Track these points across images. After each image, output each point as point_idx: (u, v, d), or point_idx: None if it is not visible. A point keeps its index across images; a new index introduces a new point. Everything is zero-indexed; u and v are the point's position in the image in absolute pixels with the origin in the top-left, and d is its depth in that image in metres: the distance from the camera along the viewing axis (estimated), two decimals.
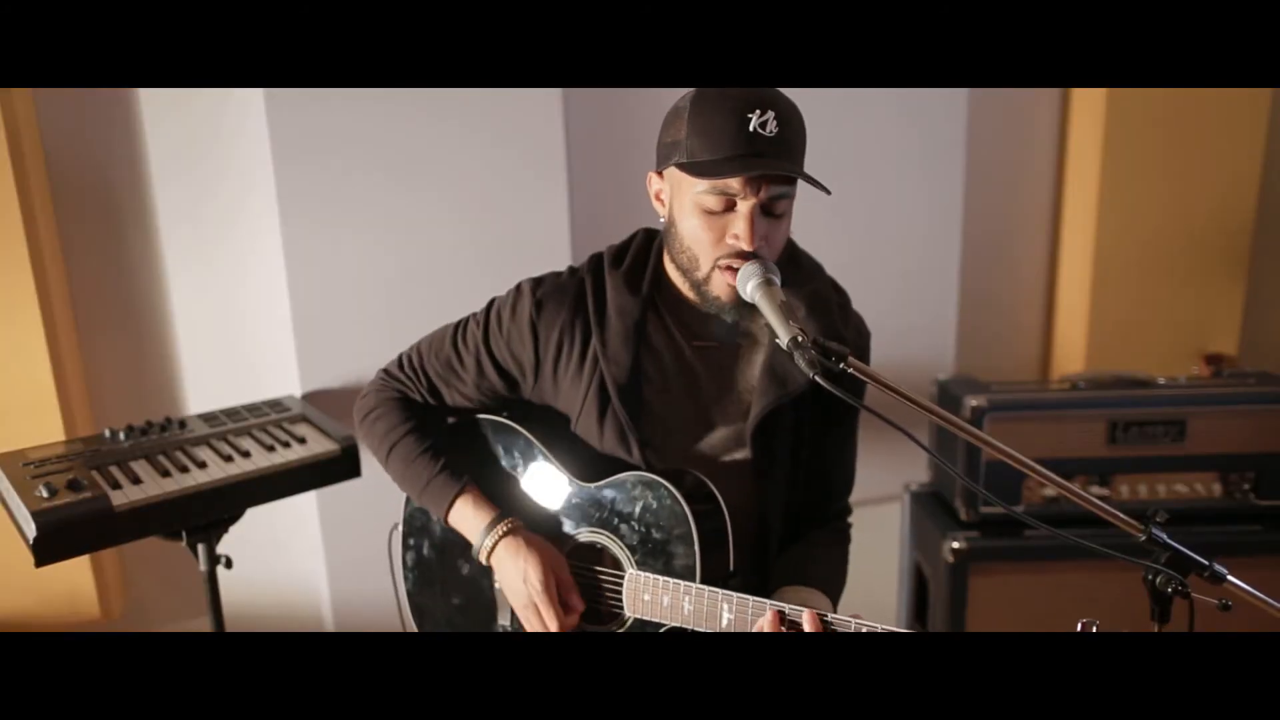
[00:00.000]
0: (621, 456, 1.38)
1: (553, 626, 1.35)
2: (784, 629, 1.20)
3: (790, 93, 1.27)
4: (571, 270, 1.44)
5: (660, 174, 1.34)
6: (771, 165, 1.21)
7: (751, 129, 1.20)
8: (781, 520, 1.43)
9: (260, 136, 2.13)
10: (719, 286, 1.29)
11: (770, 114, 1.20)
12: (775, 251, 1.30)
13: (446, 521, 1.44)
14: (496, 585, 1.47)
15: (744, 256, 1.26)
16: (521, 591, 1.36)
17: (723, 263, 1.27)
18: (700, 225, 1.26)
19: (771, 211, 1.26)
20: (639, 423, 1.37)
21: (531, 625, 1.37)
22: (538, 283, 1.42)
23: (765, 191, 1.23)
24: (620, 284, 1.38)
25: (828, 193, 1.23)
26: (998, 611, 2.25)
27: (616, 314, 1.37)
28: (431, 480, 1.43)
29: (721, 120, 1.21)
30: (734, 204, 1.24)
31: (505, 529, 1.38)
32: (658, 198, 1.36)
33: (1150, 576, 1.07)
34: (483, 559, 1.40)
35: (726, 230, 1.25)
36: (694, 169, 1.23)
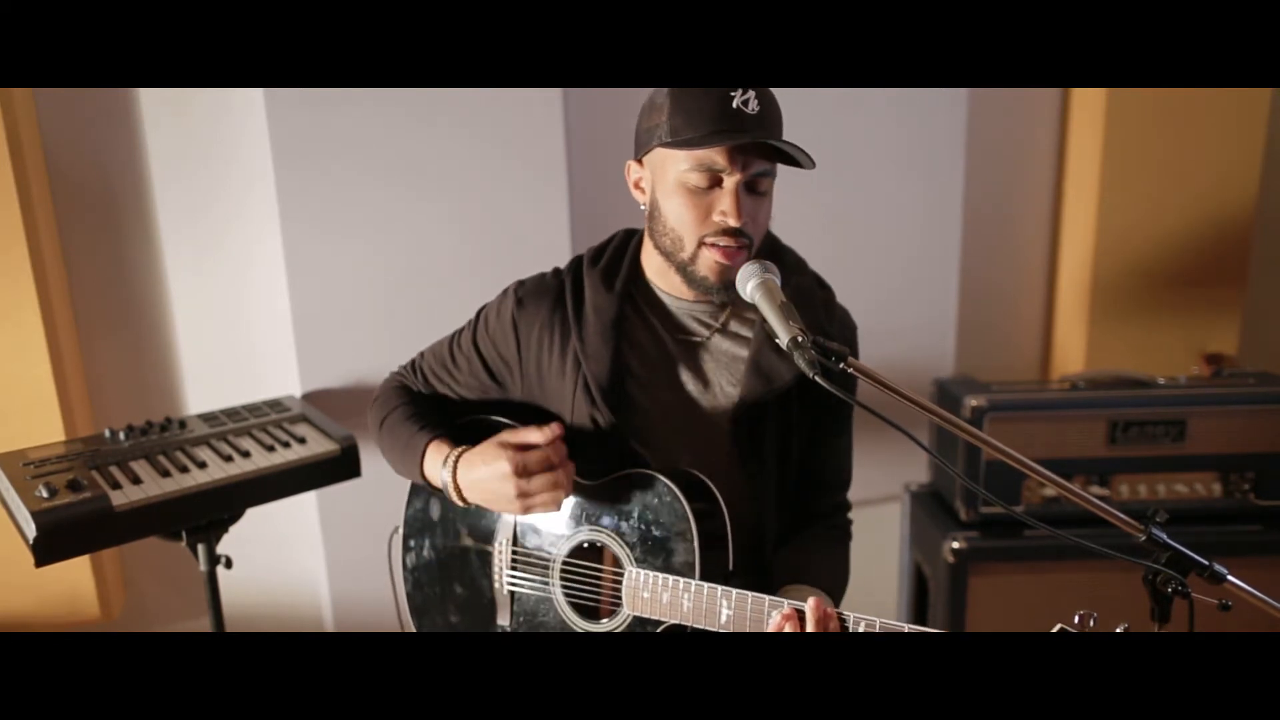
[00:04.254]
0: (613, 453, 1.38)
1: (560, 481, 1.32)
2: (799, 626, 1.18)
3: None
4: (556, 271, 1.47)
5: (640, 162, 1.35)
6: (758, 137, 1.23)
7: (734, 106, 1.22)
8: (775, 516, 1.42)
9: (260, 137, 2.13)
10: (706, 265, 1.30)
11: (751, 94, 1.23)
12: (761, 231, 1.32)
13: (422, 474, 1.43)
14: (496, 585, 1.47)
15: (730, 234, 1.27)
16: (507, 483, 1.31)
17: (709, 239, 1.28)
18: (685, 204, 1.27)
19: (755, 189, 1.28)
20: (625, 418, 1.37)
21: (540, 503, 1.33)
22: (521, 283, 1.46)
23: (751, 167, 1.25)
24: (597, 281, 1.40)
25: (813, 165, 1.24)
26: (998, 611, 2.25)
27: (593, 311, 1.38)
28: (411, 438, 1.44)
29: (705, 99, 1.23)
30: (719, 181, 1.26)
31: (458, 452, 1.37)
32: (637, 186, 1.37)
33: (1150, 576, 1.07)
34: (452, 495, 1.38)
35: (712, 208, 1.27)
36: (680, 144, 1.24)
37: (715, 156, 1.24)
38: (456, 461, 1.38)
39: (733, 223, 1.25)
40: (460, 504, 1.40)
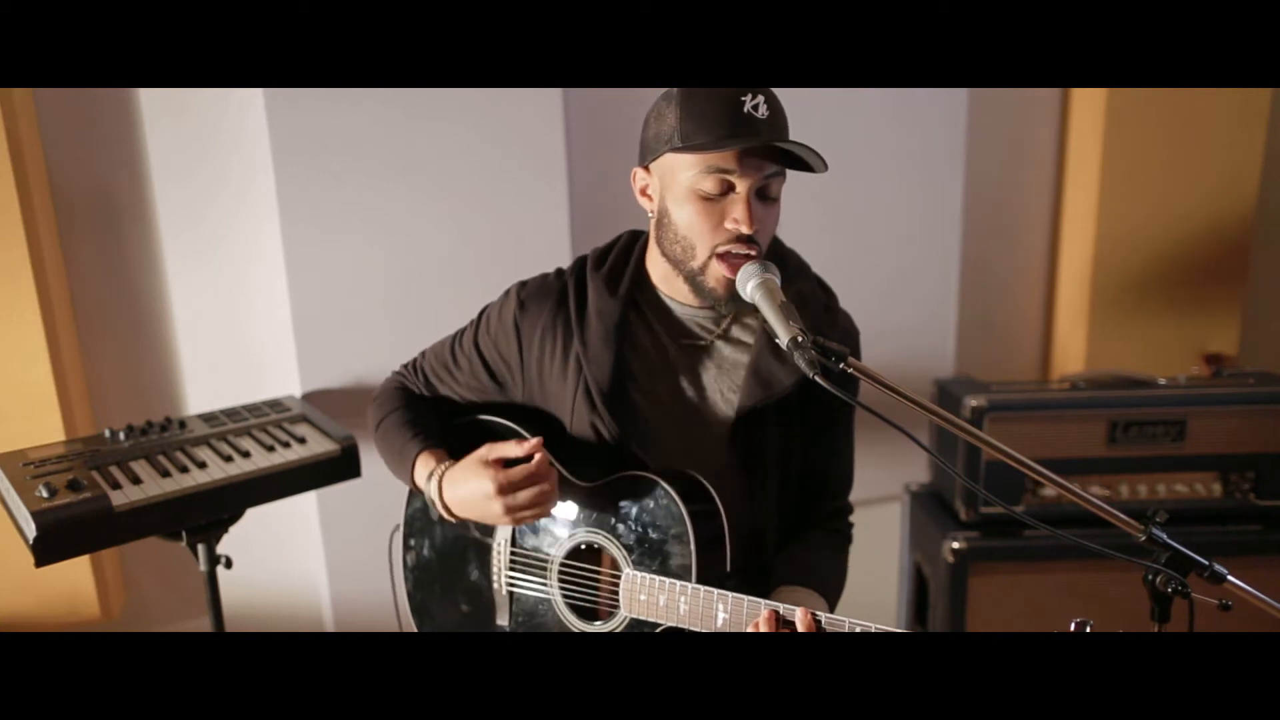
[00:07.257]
0: (612, 456, 1.38)
1: (546, 493, 1.32)
2: (780, 629, 1.20)
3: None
4: (559, 272, 1.46)
5: (646, 169, 1.34)
6: (772, 139, 1.22)
7: (745, 110, 1.22)
8: (776, 521, 1.42)
9: (260, 137, 2.13)
10: (715, 277, 1.29)
11: (761, 98, 1.23)
12: (768, 237, 1.32)
13: (413, 483, 1.45)
14: (495, 585, 1.47)
15: (742, 241, 1.26)
16: (493, 503, 1.31)
17: (721, 249, 1.27)
18: (696, 211, 1.26)
19: (766, 194, 1.27)
20: (626, 423, 1.37)
21: (528, 516, 1.34)
22: (523, 284, 1.45)
23: (763, 170, 1.24)
24: (600, 285, 1.39)
25: (825, 168, 1.24)
26: (998, 611, 2.25)
27: (596, 315, 1.38)
28: (404, 447, 1.45)
29: (715, 104, 1.22)
30: (731, 188, 1.25)
31: (442, 470, 1.38)
32: (644, 193, 1.36)
33: (1150, 576, 1.07)
34: (438, 507, 1.39)
35: (724, 216, 1.26)
36: (692, 149, 1.23)
37: (727, 161, 1.23)
38: (441, 479, 1.38)
39: (745, 230, 1.24)
40: (448, 519, 1.41)
